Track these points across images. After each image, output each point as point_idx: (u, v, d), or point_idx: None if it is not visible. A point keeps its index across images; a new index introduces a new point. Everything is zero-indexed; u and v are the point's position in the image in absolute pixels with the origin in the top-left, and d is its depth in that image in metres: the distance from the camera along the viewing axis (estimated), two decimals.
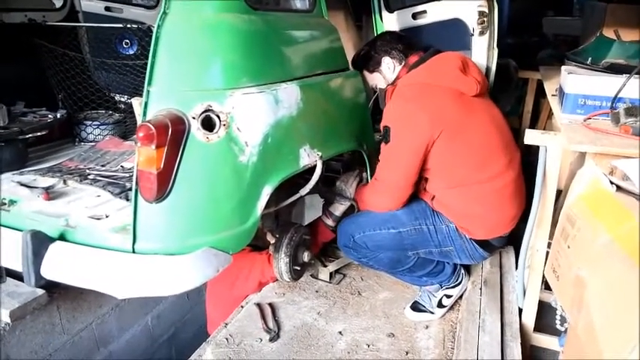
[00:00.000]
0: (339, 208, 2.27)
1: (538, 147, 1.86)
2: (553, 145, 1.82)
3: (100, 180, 2.01)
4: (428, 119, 1.88)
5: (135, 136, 1.43)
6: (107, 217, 1.69)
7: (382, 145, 1.99)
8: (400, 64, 2.15)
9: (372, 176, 2.21)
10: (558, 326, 1.92)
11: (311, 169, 1.85)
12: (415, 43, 2.23)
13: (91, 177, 2.05)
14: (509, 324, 2.02)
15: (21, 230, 1.57)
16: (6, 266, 1.89)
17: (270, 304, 2.31)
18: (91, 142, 2.60)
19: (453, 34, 2.64)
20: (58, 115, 2.48)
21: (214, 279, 2.25)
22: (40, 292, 2.17)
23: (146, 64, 1.46)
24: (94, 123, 2.64)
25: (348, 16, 3.53)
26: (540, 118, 3.61)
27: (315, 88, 1.90)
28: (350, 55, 2.28)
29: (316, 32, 2.04)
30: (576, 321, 1.32)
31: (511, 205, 2.03)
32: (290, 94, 1.71)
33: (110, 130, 2.67)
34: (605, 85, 1.86)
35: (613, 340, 1.13)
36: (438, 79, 1.99)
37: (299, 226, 2.14)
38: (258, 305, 2.29)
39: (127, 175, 2.06)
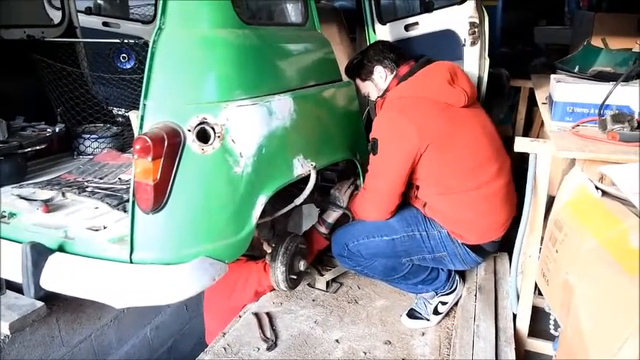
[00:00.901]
0: (332, 215, 2.30)
1: None
2: (543, 153, 1.85)
3: (98, 192, 2.04)
4: (415, 132, 1.91)
5: (132, 148, 1.46)
6: (105, 228, 1.72)
7: (370, 156, 2.03)
8: (392, 73, 2.19)
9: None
10: (552, 331, 1.93)
11: (306, 179, 1.88)
12: (407, 53, 2.28)
13: (89, 189, 2.08)
14: (504, 329, 2.04)
15: (20, 242, 1.59)
16: (6, 278, 1.92)
17: (268, 314, 2.32)
18: (89, 155, 2.63)
19: (445, 45, 2.68)
20: (57, 129, 2.51)
21: (211, 289, 2.29)
22: (40, 304, 2.19)
23: (143, 78, 1.49)
24: (92, 136, 2.67)
25: (342, 28, 3.57)
26: (533, 126, 3.65)
27: (308, 99, 1.94)
28: (344, 66, 2.33)
29: (309, 45, 2.09)
30: (565, 325, 1.35)
31: (502, 210, 2.06)
32: (283, 106, 1.75)
33: (108, 143, 2.70)
34: (592, 92, 1.89)
35: (600, 343, 1.16)
36: (425, 92, 2.03)
37: (295, 235, 2.16)
38: (256, 314, 2.30)
39: (125, 187, 2.08)
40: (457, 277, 2.33)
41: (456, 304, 2.32)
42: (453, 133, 1.97)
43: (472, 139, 2.02)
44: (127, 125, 2.81)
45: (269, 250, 2.12)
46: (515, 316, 2.09)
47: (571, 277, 1.32)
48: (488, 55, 2.67)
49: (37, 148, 2.33)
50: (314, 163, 1.88)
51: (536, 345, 2.08)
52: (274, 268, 2.07)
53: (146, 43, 2.58)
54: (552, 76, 2.16)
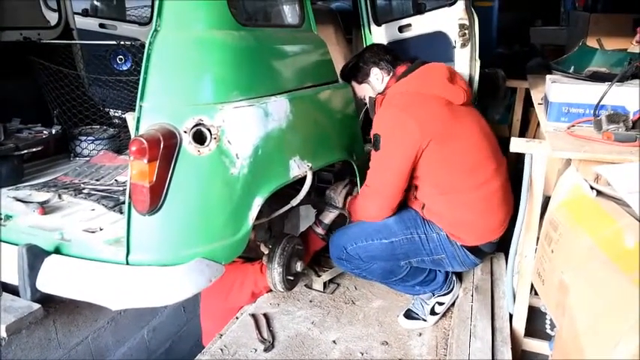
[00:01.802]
0: (328, 216, 2.31)
1: None
2: (538, 153, 1.85)
3: (95, 194, 2.04)
4: (417, 127, 1.91)
5: (128, 150, 1.46)
6: (101, 230, 1.72)
7: (372, 152, 2.03)
8: (388, 74, 2.19)
9: (361, 185, 2.24)
10: (548, 331, 1.94)
11: (302, 180, 1.88)
12: (402, 55, 2.28)
13: (85, 191, 2.08)
14: (500, 329, 2.04)
15: (17, 244, 1.59)
16: (2, 280, 1.91)
17: (265, 315, 2.33)
18: (85, 157, 2.63)
19: (437, 47, 2.69)
20: (53, 131, 2.51)
21: (208, 290, 2.28)
22: (36, 306, 2.18)
23: (139, 79, 1.49)
24: (89, 138, 2.67)
25: (338, 29, 3.58)
26: (530, 126, 3.66)
27: (305, 100, 1.94)
28: (340, 67, 2.33)
29: (305, 46, 2.09)
30: (561, 324, 1.35)
31: (499, 211, 2.07)
32: (279, 107, 1.76)
33: (104, 145, 2.69)
34: (587, 93, 1.90)
35: (595, 342, 1.16)
36: (426, 88, 2.04)
37: (291, 236, 2.17)
38: (253, 316, 2.31)
39: (121, 188, 2.09)
40: (454, 278, 2.33)
41: (453, 304, 2.32)
42: (454, 129, 1.98)
43: (471, 137, 2.03)
44: (123, 127, 2.81)
45: (266, 252, 2.12)
46: (511, 316, 2.09)
47: (566, 277, 1.33)
48: (481, 57, 2.68)
49: (34, 150, 2.33)
50: (310, 164, 1.89)
51: (533, 345, 2.08)
52: (271, 269, 2.07)
53: (142, 45, 2.58)
54: (548, 76, 2.17)
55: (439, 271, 2.25)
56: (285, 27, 2.20)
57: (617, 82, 1.85)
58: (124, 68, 3.37)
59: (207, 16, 1.62)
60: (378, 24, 3.00)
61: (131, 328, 2.90)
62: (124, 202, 1.82)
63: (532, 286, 1.96)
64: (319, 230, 2.33)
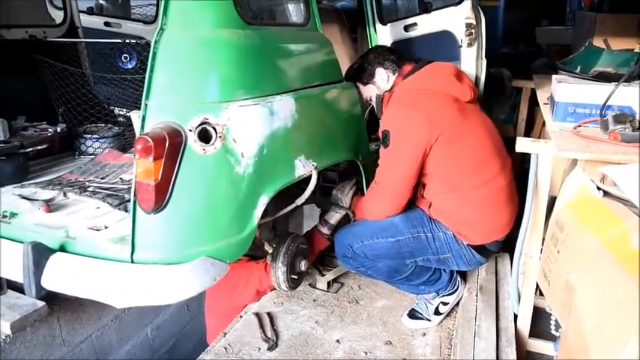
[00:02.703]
0: (334, 217, 2.30)
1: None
2: (544, 153, 1.85)
3: (100, 192, 2.04)
4: (426, 123, 1.91)
5: (133, 148, 1.46)
6: (106, 228, 1.72)
7: (381, 149, 2.03)
8: (394, 74, 2.19)
9: (367, 185, 2.24)
10: (553, 331, 1.94)
11: (307, 179, 1.88)
12: (406, 55, 2.28)
13: (90, 189, 2.08)
14: (505, 330, 2.03)
15: (22, 242, 1.59)
16: (7, 278, 1.92)
17: (269, 314, 2.33)
18: (90, 155, 2.63)
19: (443, 46, 2.68)
20: (58, 129, 2.52)
21: (213, 289, 2.29)
22: (41, 304, 2.20)
23: (144, 78, 1.49)
24: (94, 136, 2.67)
25: (343, 28, 3.58)
26: (535, 126, 3.65)
27: (310, 99, 1.94)
28: (345, 67, 2.33)
29: (310, 45, 2.08)
30: (567, 325, 1.35)
31: (505, 209, 2.06)
32: (285, 106, 1.75)
33: (109, 143, 2.70)
34: (594, 93, 1.89)
35: (601, 343, 1.16)
36: (434, 85, 2.04)
37: (296, 235, 2.16)
38: (257, 314, 2.31)
39: (126, 186, 2.09)
40: (459, 278, 2.33)
41: (457, 304, 2.32)
42: (462, 126, 1.98)
43: (477, 135, 2.03)
44: (128, 125, 2.82)
45: (270, 250, 2.12)
46: (516, 316, 2.09)
47: (572, 278, 1.32)
48: (486, 56, 2.67)
49: (39, 148, 2.33)
50: (315, 164, 1.88)
51: (538, 345, 2.08)
52: (275, 268, 2.07)
53: (148, 44, 2.59)
54: (554, 76, 2.17)
55: (444, 270, 2.25)
56: (291, 26, 2.20)
57: (624, 82, 1.84)
58: (129, 66, 3.38)
59: (213, 15, 1.61)
60: (384, 23, 2.99)
61: (135, 326, 2.91)
62: (128, 201, 1.83)
63: (537, 286, 1.96)
64: (325, 230, 2.32)
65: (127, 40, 2.78)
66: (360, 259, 2.13)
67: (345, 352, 2.09)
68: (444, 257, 2.10)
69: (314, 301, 2.46)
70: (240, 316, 2.32)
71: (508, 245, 2.23)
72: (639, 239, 1.17)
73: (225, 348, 2.10)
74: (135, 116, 2.25)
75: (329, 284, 2.56)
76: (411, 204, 2.11)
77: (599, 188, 1.42)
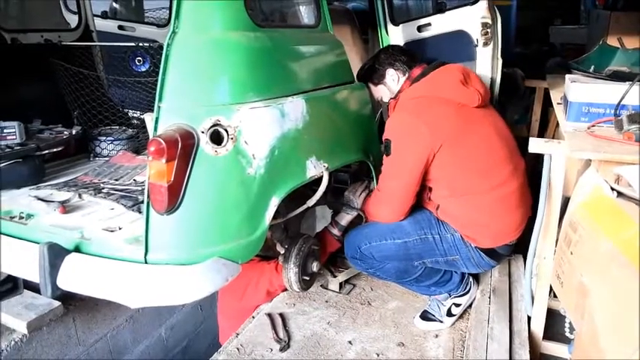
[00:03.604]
0: (345, 218, 2.31)
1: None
2: (557, 153, 1.83)
3: (114, 193, 2.07)
4: (428, 132, 1.91)
5: (147, 150, 1.48)
6: (120, 229, 1.74)
7: (384, 157, 2.03)
8: (404, 75, 2.18)
9: None
10: (567, 334, 1.92)
11: (319, 180, 1.89)
12: (418, 56, 2.27)
13: (105, 191, 2.11)
14: (518, 332, 2.02)
15: (38, 243, 1.61)
16: (23, 278, 1.95)
17: (281, 315, 2.34)
18: (105, 157, 2.67)
19: (458, 46, 2.67)
20: (74, 132, 2.55)
21: (225, 290, 2.31)
22: (57, 303, 2.23)
23: (158, 80, 1.51)
24: (108, 139, 2.71)
25: (354, 30, 3.58)
26: (549, 126, 3.62)
27: (321, 101, 1.95)
28: (356, 68, 2.33)
29: (321, 47, 2.09)
30: (580, 327, 1.34)
31: (516, 213, 2.04)
32: (296, 108, 1.76)
33: (123, 145, 2.73)
34: (608, 92, 1.87)
35: (615, 345, 1.15)
36: (439, 92, 2.03)
37: (307, 236, 2.17)
38: (269, 315, 2.32)
39: (140, 188, 2.11)
40: (471, 279, 2.31)
41: (470, 306, 2.31)
42: (466, 132, 1.96)
43: (485, 139, 2.01)
44: (142, 127, 2.84)
45: (282, 251, 2.13)
46: (529, 318, 2.07)
47: (586, 279, 1.31)
48: (501, 56, 2.65)
49: (54, 150, 2.37)
50: (327, 165, 1.89)
51: (552, 348, 2.05)
52: (287, 269, 2.07)
53: (161, 47, 2.61)
54: (567, 76, 2.15)
55: (455, 272, 2.24)
56: (302, 27, 2.21)
57: (639, 81, 1.82)
58: (143, 69, 3.42)
59: (224, 18, 1.63)
60: (396, 24, 2.99)
61: (149, 326, 2.94)
62: (142, 202, 1.85)
63: (551, 288, 1.94)
64: (335, 231, 2.33)
65: (141, 44, 2.81)
66: (368, 260, 2.13)
67: (357, 353, 2.09)
68: (452, 259, 2.09)
69: (326, 302, 2.46)
70: (253, 317, 2.33)
71: (521, 247, 2.21)
72: None
73: (238, 348, 2.11)
74: (148, 118, 2.27)
75: (341, 285, 2.56)
76: (419, 206, 2.10)
77: (612, 189, 1.40)
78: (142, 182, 2.19)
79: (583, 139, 1.75)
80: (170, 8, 3.79)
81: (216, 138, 1.53)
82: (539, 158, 1.95)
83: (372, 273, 2.20)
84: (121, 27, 3.82)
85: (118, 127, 2.88)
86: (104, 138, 2.71)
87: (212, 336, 3.24)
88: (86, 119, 2.77)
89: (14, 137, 2.17)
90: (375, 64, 2.23)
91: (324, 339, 2.19)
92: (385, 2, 2.99)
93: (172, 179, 1.46)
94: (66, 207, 1.92)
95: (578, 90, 1.92)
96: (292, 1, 2.33)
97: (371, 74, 2.25)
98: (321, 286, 2.57)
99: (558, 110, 2.22)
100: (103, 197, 2.03)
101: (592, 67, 2.21)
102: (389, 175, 2.03)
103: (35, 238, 1.71)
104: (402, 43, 2.95)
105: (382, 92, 2.25)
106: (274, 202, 1.68)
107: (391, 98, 2.20)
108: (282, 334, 2.20)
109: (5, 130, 2.16)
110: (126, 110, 3.10)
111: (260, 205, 1.65)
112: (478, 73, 2.44)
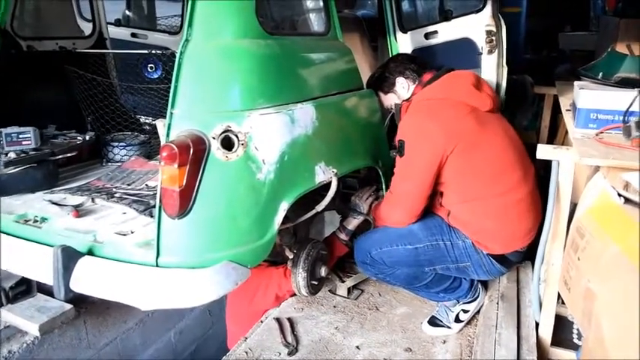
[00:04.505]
0: (352, 222, 2.32)
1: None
2: (565, 160, 1.84)
3: (126, 198, 2.10)
4: (442, 134, 1.92)
5: (159, 155, 1.51)
6: (132, 233, 1.76)
7: (397, 158, 2.04)
8: (414, 83, 2.20)
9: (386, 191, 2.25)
10: (576, 340, 1.92)
11: (327, 186, 1.91)
12: (427, 63, 2.29)
13: (117, 195, 2.14)
14: (526, 338, 2.01)
15: (52, 246, 1.65)
16: (37, 280, 1.98)
17: (289, 319, 2.35)
18: (117, 162, 2.70)
19: (464, 53, 2.69)
20: (87, 137, 2.59)
21: (234, 294, 2.33)
22: (68, 306, 2.26)
23: (170, 87, 1.54)
24: (121, 144, 2.74)
25: (364, 37, 3.61)
26: (558, 132, 3.61)
27: (330, 107, 1.97)
28: (366, 75, 2.35)
29: (331, 54, 2.12)
30: (588, 333, 1.34)
31: (526, 218, 2.04)
32: (305, 114, 1.79)
33: (136, 150, 2.76)
34: (616, 99, 1.88)
35: (622, 350, 1.15)
36: (452, 94, 2.04)
37: (316, 241, 2.19)
38: (277, 320, 2.33)
39: (151, 193, 2.13)
40: (479, 286, 2.31)
41: (478, 312, 2.30)
42: (479, 135, 1.97)
43: (497, 143, 2.02)
44: (153, 133, 2.88)
45: (291, 256, 2.15)
46: (537, 324, 2.06)
47: (593, 285, 1.32)
48: (508, 63, 2.66)
49: (68, 155, 2.41)
50: (335, 170, 1.91)
51: (560, 354, 2.05)
52: (296, 273, 2.09)
53: (173, 54, 2.67)
54: (576, 82, 2.16)
55: (464, 278, 2.24)
56: (312, 35, 2.24)
57: None
58: (155, 76, 3.47)
59: (236, 26, 1.66)
60: (404, 31, 3.01)
61: (158, 330, 2.97)
62: (154, 206, 1.87)
63: (559, 294, 1.94)
64: (342, 236, 2.34)
65: (153, 51, 2.85)
66: (379, 265, 2.13)
67: (364, 358, 2.10)
68: (464, 266, 2.09)
69: (334, 307, 2.47)
70: (261, 321, 2.35)
71: (530, 253, 2.21)
72: None
73: (246, 352, 2.13)
74: (160, 124, 2.30)
75: (349, 291, 2.57)
76: (430, 212, 2.11)
77: (620, 195, 1.41)
78: (154, 187, 2.22)
79: (591, 146, 1.75)
80: (182, 16, 3.87)
81: (227, 144, 1.56)
82: (548, 165, 1.96)
83: (382, 278, 2.21)
84: (133, 34, 3.88)
85: (130, 132, 2.92)
86: (117, 143, 2.74)
87: (220, 340, 3.25)
88: (99, 125, 2.82)
89: (29, 142, 2.21)
90: (385, 72, 2.25)
91: (332, 344, 2.19)
92: (394, 10, 3.02)
93: (184, 184, 1.49)
94: (79, 211, 1.95)
95: (586, 97, 1.93)
96: (302, 9, 2.36)
97: (381, 83, 2.27)
98: (329, 291, 2.58)
99: (567, 117, 2.22)
100: (116, 201, 2.06)
101: (600, 74, 2.21)
102: (402, 176, 2.03)
103: (49, 241, 1.75)
104: (410, 50, 2.98)
105: (392, 100, 2.27)
106: (283, 207, 1.70)
107: (404, 100, 2.21)
108: (290, 338, 2.21)
109: (21, 136, 2.20)
110: (138, 116, 3.14)
111: (269, 210, 1.68)
112: None
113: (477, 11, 2.64)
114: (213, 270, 1.55)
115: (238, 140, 1.57)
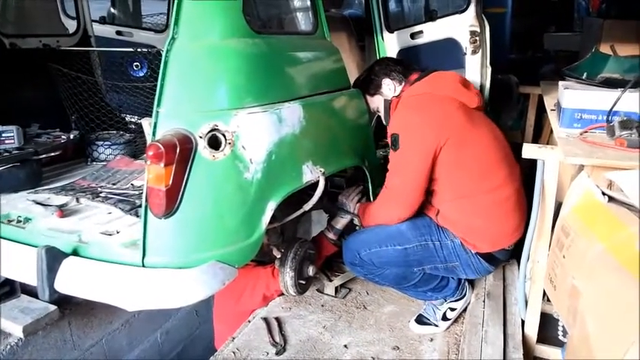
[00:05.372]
0: (340, 222, 2.33)
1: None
2: (550, 159, 1.86)
3: (111, 198, 2.08)
4: (435, 125, 1.94)
5: (145, 155, 1.49)
6: (118, 232, 1.75)
7: (391, 152, 2.04)
8: (400, 83, 2.21)
9: (373, 191, 2.25)
10: (561, 337, 1.94)
11: (315, 185, 1.90)
12: (412, 65, 2.30)
13: (102, 195, 2.12)
14: (512, 335, 2.03)
15: (36, 246, 1.63)
16: (21, 281, 1.96)
17: (277, 318, 2.34)
18: (102, 161, 2.67)
19: (448, 54, 2.71)
20: (71, 136, 2.56)
21: (221, 294, 2.32)
22: (53, 307, 2.24)
23: (155, 85, 1.53)
24: (106, 143, 2.72)
25: (351, 36, 3.62)
26: (543, 132, 3.65)
27: (318, 106, 1.97)
28: (353, 74, 2.35)
29: (318, 53, 2.12)
30: (572, 329, 1.36)
31: (513, 216, 2.06)
32: (293, 113, 1.78)
33: (121, 149, 2.74)
34: (600, 99, 1.90)
35: (606, 347, 1.17)
36: (441, 90, 2.07)
37: (304, 240, 2.19)
38: (265, 319, 2.32)
39: (137, 192, 2.12)
40: (466, 284, 2.33)
41: (465, 310, 2.32)
42: (468, 131, 1.99)
43: (484, 140, 2.03)
44: (139, 132, 2.86)
45: (278, 256, 2.15)
46: (523, 322, 2.08)
47: (578, 282, 1.33)
48: (493, 63, 2.68)
49: (52, 154, 2.38)
50: (323, 170, 1.91)
51: (545, 351, 2.07)
52: (283, 273, 2.09)
53: (158, 52, 2.64)
54: (560, 82, 2.18)
55: (452, 277, 2.25)
56: (299, 34, 2.24)
57: (631, 88, 1.85)
58: (140, 75, 3.44)
59: (222, 25, 1.65)
60: (390, 31, 3.02)
61: (144, 330, 2.94)
62: (139, 206, 1.86)
63: (544, 292, 1.96)
64: (331, 235, 2.35)
65: (139, 49, 2.83)
66: (368, 266, 2.13)
67: (352, 357, 2.10)
68: (452, 266, 2.10)
69: (322, 306, 2.47)
70: (249, 321, 2.34)
71: (516, 251, 2.23)
72: None
73: (234, 352, 2.12)
74: (146, 123, 2.29)
75: (337, 290, 2.57)
76: (419, 212, 2.11)
77: (604, 193, 1.43)
78: (140, 186, 2.20)
79: (576, 145, 1.77)
80: (168, 14, 3.84)
81: (214, 143, 1.55)
82: (533, 164, 1.98)
83: (371, 279, 2.21)
84: (119, 32, 3.84)
85: (115, 131, 2.89)
86: (102, 142, 2.72)
87: (207, 340, 3.24)
88: (84, 124, 2.79)
89: (12, 141, 2.18)
90: (371, 75, 2.25)
91: (320, 343, 2.20)
92: (381, 9, 3.03)
93: (170, 183, 1.48)
94: (64, 211, 1.93)
95: (571, 96, 1.95)
96: (289, 8, 2.35)
97: (367, 85, 2.27)
98: (317, 290, 2.58)
99: (552, 116, 2.24)
100: (101, 201, 2.04)
101: (585, 74, 2.24)
102: (397, 170, 2.03)
103: (33, 241, 1.73)
104: (396, 50, 2.99)
105: (379, 102, 2.27)
106: (271, 207, 1.70)
107: (393, 96, 2.22)
108: (278, 338, 2.21)
109: (3, 135, 2.17)
110: (123, 115, 3.11)
111: (257, 210, 1.67)
112: None
113: (461, 12, 2.65)
114: (200, 270, 1.54)
115: (225, 139, 1.56)
